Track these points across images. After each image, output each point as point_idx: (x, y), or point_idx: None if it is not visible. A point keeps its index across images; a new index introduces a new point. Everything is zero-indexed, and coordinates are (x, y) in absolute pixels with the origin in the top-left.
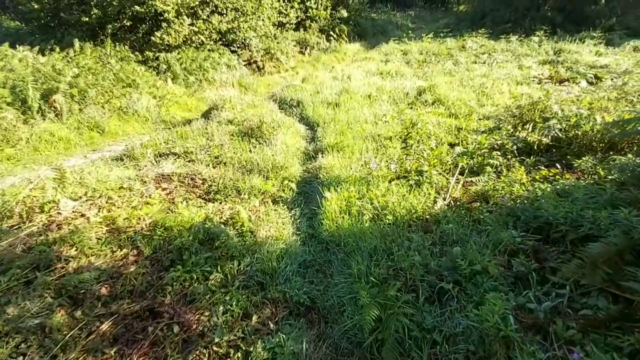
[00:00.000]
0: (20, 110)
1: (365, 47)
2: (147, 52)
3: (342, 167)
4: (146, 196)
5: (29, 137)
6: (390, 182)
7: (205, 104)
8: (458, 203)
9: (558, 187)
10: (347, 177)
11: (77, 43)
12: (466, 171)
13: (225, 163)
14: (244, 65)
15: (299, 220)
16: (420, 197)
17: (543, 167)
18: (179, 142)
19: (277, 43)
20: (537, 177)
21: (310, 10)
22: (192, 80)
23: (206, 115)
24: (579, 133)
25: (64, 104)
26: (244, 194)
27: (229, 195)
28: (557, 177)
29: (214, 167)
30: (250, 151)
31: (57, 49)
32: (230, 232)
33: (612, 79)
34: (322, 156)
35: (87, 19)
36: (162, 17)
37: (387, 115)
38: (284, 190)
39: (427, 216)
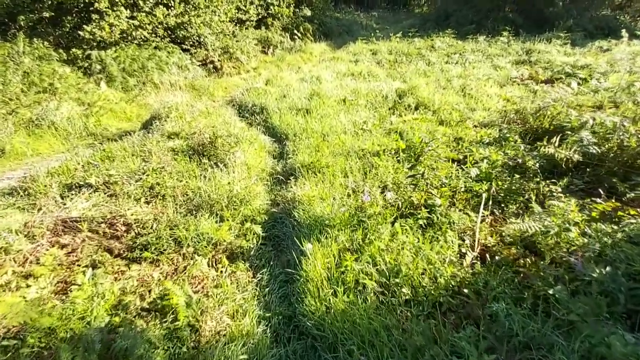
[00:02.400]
0: None
1: (331, 47)
2: (75, 50)
3: (322, 198)
4: (32, 262)
5: None
6: (393, 223)
7: (149, 111)
8: (496, 257)
9: (629, 230)
10: (333, 217)
11: None
12: (490, 203)
13: (163, 196)
14: (199, 65)
15: (267, 290)
16: (441, 248)
17: (593, 198)
18: (101, 167)
19: (237, 41)
20: (594, 214)
21: (272, 7)
22: (133, 83)
23: (146, 126)
24: (615, 147)
25: None
26: (187, 246)
27: (164, 250)
28: (620, 213)
29: (147, 203)
30: (199, 177)
31: None
32: (155, 332)
33: (597, 80)
34: (295, 182)
35: None
36: (92, 8)
37: (367, 123)
38: (245, 237)
39: (460, 284)
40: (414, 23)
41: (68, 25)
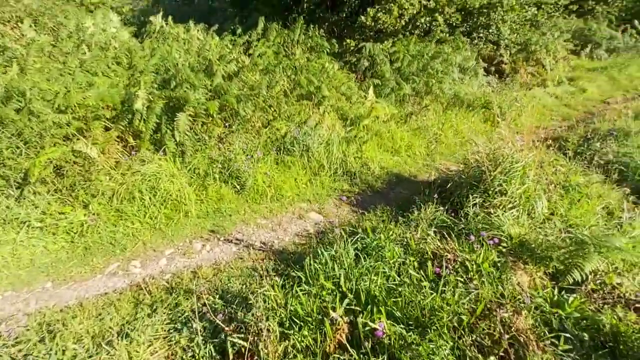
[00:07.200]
0: (128, 132)
1: None
2: (347, 41)
3: None
4: None
5: (116, 188)
6: None
7: (424, 140)
8: None
9: None
10: None
11: (261, 23)
12: None
13: None
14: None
15: None
16: None
17: None
18: None
19: (543, 35)
20: None
21: None
22: (407, 91)
23: (443, 195)
24: None
25: (185, 130)
26: None
27: None
28: None
29: None
30: None
31: (240, 30)
32: None
33: None
34: None
35: None
36: None
37: None
38: None
39: None
40: None
41: (346, 9)
